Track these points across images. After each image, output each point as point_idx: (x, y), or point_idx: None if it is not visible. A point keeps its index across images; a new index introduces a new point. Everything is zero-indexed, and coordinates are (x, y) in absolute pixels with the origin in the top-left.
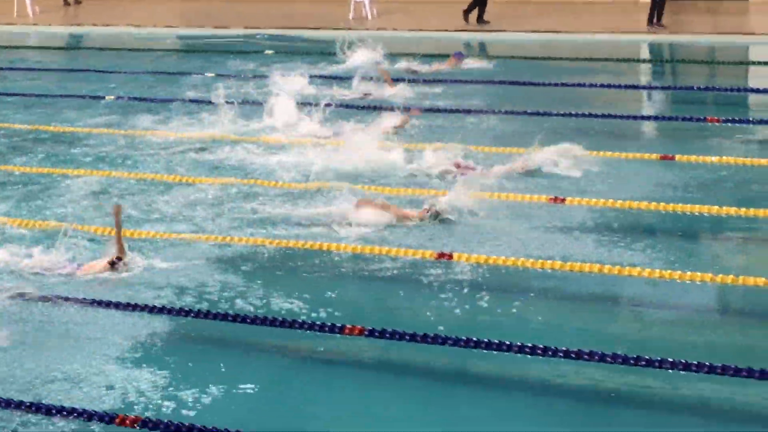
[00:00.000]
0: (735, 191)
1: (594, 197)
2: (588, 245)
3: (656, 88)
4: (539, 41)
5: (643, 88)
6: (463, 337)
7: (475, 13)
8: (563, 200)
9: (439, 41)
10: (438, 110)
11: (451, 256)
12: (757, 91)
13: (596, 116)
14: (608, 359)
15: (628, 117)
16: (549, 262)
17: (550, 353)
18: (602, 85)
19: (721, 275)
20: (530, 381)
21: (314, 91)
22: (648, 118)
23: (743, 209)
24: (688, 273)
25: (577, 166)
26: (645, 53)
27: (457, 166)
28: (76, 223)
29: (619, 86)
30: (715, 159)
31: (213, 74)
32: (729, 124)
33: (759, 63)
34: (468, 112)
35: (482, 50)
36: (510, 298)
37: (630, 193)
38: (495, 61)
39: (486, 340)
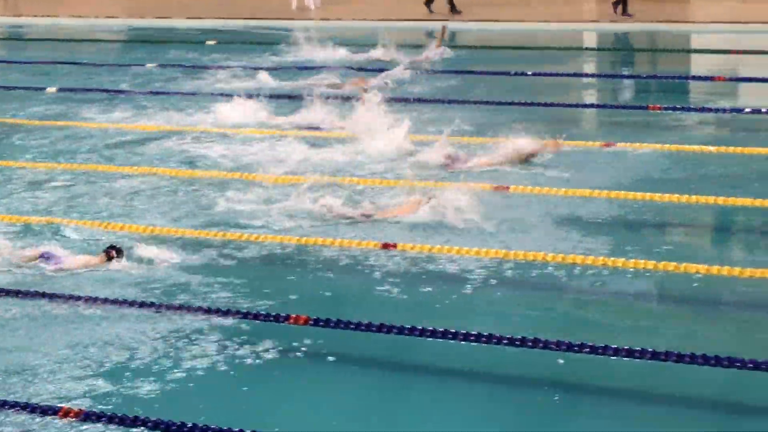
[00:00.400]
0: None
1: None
2: (539, 235)
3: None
4: (501, 31)
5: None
6: (407, 326)
7: (439, 4)
8: (507, 188)
9: (402, 30)
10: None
11: (395, 246)
12: (699, 78)
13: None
14: (552, 346)
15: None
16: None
17: (494, 341)
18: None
19: (663, 262)
20: (474, 369)
21: (290, 84)
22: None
23: (685, 196)
24: (632, 260)
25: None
26: (604, 41)
27: (448, 157)
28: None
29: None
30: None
31: (155, 65)
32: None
33: (701, 51)
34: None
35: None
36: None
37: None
38: (470, 51)
39: (430, 327)
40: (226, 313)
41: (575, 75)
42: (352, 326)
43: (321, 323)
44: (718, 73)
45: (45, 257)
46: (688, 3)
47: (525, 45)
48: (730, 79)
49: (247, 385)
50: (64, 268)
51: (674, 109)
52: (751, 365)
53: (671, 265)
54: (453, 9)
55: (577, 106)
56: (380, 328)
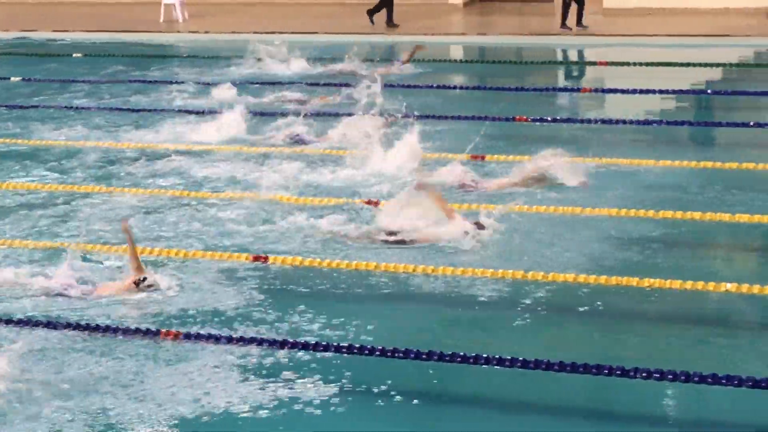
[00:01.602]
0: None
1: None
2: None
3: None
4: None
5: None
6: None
7: (381, 15)
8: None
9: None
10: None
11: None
12: (565, 90)
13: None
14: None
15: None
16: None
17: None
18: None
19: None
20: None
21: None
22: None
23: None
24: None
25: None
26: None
27: (462, 186)
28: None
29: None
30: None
31: (19, 78)
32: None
33: (565, 63)
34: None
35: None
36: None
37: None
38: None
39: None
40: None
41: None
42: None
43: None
44: (584, 85)
45: (70, 286)
46: (554, 16)
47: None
48: (595, 90)
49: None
50: (91, 295)
51: (542, 120)
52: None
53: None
54: (390, 22)
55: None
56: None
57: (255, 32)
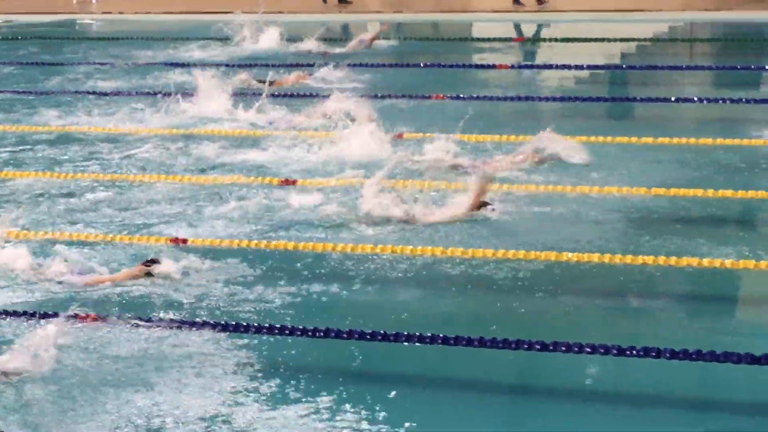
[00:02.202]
0: None
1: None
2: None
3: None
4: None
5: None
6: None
7: None
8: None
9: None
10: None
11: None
12: (483, 66)
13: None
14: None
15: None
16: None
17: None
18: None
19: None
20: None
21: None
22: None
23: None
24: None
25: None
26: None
27: (456, 166)
28: None
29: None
30: None
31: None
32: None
33: (482, 40)
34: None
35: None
36: None
37: None
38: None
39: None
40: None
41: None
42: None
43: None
44: (501, 62)
45: (75, 272)
46: None
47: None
48: (512, 67)
49: None
50: (94, 282)
51: (457, 98)
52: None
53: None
54: None
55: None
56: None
57: (169, 12)
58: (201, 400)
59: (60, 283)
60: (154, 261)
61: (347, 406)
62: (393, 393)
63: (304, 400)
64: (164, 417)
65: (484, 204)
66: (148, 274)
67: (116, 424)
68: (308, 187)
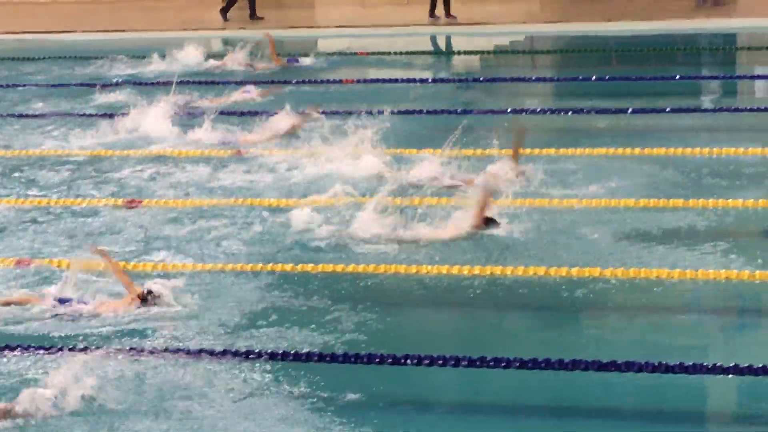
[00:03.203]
0: None
1: None
2: None
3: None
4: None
5: None
6: None
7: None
8: None
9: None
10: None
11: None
12: (330, 82)
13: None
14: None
15: None
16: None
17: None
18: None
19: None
20: None
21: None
22: None
23: None
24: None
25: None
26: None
27: (451, 185)
28: None
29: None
30: None
31: None
32: None
33: (330, 54)
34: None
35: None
36: None
37: None
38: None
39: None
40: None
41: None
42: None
43: None
44: (346, 76)
45: (61, 301)
46: (313, 8)
47: None
48: (358, 81)
49: None
50: (86, 313)
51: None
52: None
53: None
54: (253, 15)
55: None
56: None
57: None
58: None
59: (55, 315)
60: (150, 292)
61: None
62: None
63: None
64: None
65: (490, 221)
66: (143, 302)
67: None
68: (301, 207)
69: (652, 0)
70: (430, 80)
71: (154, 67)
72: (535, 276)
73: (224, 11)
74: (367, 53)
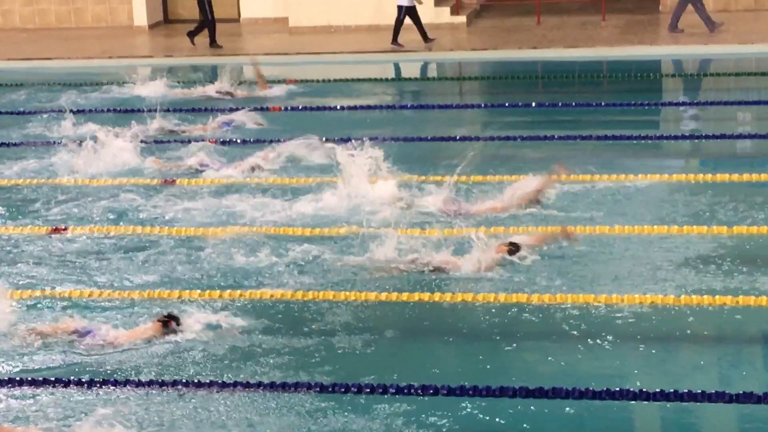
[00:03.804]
0: None
1: None
2: None
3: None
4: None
5: None
6: None
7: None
8: None
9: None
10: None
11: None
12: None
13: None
14: None
15: None
16: None
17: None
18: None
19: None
20: None
21: None
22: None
23: None
24: None
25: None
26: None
27: (452, 204)
28: None
29: None
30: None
31: None
32: None
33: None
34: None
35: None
36: None
37: None
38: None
39: None
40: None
41: None
42: None
43: None
44: (274, 103)
45: (83, 332)
46: (240, 36)
47: None
48: (285, 109)
49: None
50: (109, 343)
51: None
52: None
53: None
54: (213, 43)
55: None
56: None
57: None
58: None
59: (71, 343)
60: (171, 317)
61: None
62: None
63: None
64: None
65: (513, 249)
66: (165, 330)
67: None
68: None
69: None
70: (358, 107)
71: (133, 92)
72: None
73: (192, 35)
74: (296, 81)
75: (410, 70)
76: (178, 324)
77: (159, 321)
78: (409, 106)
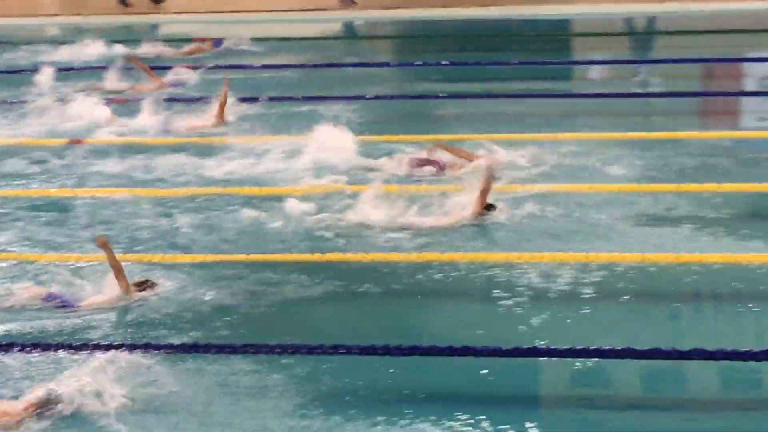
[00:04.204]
0: None
1: None
2: None
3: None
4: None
5: None
6: None
7: None
8: None
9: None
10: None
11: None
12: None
13: None
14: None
15: None
16: None
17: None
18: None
19: None
20: None
21: None
22: None
23: None
24: None
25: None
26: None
27: (422, 163)
28: None
29: None
30: None
31: None
32: None
33: (178, 40)
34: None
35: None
36: None
37: None
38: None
39: None
40: None
41: None
42: None
43: None
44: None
45: (52, 298)
46: None
47: None
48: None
49: None
50: (82, 306)
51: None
52: None
53: None
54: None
55: None
56: None
57: None
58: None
59: (60, 308)
60: (146, 282)
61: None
62: None
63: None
64: None
65: (489, 206)
66: (141, 290)
67: None
68: (292, 195)
69: None
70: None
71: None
72: None
73: None
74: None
75: (325, 29)
76: (152, 286)
77: (135, 284)
78: (323, 65)
